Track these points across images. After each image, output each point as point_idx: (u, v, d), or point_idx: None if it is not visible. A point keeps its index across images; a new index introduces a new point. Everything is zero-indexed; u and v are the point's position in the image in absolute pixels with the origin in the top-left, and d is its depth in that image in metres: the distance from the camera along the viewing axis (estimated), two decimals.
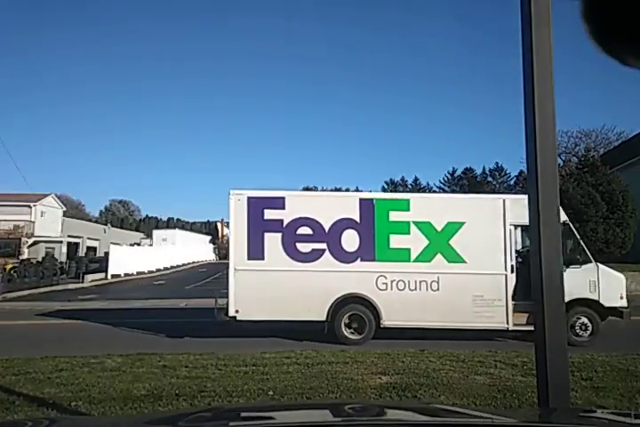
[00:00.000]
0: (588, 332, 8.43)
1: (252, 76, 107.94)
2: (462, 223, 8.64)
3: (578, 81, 70.92)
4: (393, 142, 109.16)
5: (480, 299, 8.47)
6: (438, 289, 8.53)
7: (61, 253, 37.95)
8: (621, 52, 0.97)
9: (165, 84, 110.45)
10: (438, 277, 8.54)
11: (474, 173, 71.18)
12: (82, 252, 42.72)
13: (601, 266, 8.69)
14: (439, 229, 8.64)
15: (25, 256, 34.21)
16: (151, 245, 35.20)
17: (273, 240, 8.64)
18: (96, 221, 62.86)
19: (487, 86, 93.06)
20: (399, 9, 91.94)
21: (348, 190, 74.34)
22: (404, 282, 8.58)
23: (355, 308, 8.65)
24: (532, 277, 2.07)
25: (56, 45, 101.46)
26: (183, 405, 4.60)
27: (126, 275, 26.24)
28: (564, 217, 7.93)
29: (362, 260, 8.63)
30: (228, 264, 8.84)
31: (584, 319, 8.44)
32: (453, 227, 8.64)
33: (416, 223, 8.66)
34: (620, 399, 4.69)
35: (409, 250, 8.64)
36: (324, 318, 8.53)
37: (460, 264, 8.54)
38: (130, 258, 27.42)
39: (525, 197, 2.56)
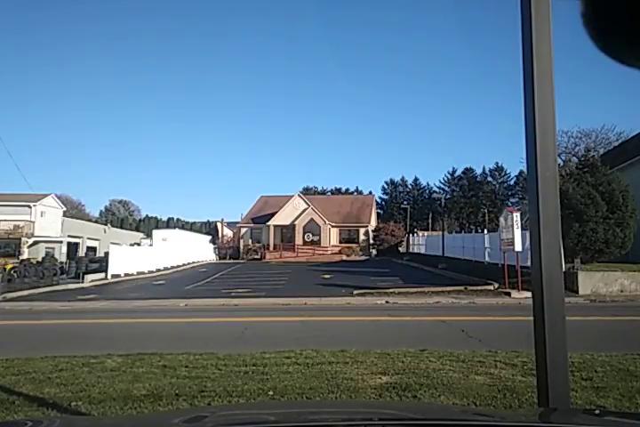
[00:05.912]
0: None
1: (251, 74, 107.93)
2: None
3: (578, 81, 71.01)
4: (393, 142, 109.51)
5: None
6: None
7: (61, 253, 37.99)
8: (621, 53, 0.97)
9: (163, 80, 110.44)
10: None
11: (474, 173, 71.26)
12: (82, 252, 42.78)
13: None
14: None
15: (25, 256, 34.22)
16: (151, 245, 35.12)
17: None
18: (96, 221, 62.89)
19: (487, 86, 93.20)
20: (400, 7, 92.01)
21: (347, 190, 74.80)
22: None
23: None
24: (532, 277, 2.07)
25: (56, 44, 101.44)
26: (183, 405, 4.59)
27: (126, 275, 26.22)
28: None
29: None
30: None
31: None
32: None
33: None
34: (620, 399, 4.68)
35: None
36: None
37: None
38: (130, 258, 27.40)
39: None
